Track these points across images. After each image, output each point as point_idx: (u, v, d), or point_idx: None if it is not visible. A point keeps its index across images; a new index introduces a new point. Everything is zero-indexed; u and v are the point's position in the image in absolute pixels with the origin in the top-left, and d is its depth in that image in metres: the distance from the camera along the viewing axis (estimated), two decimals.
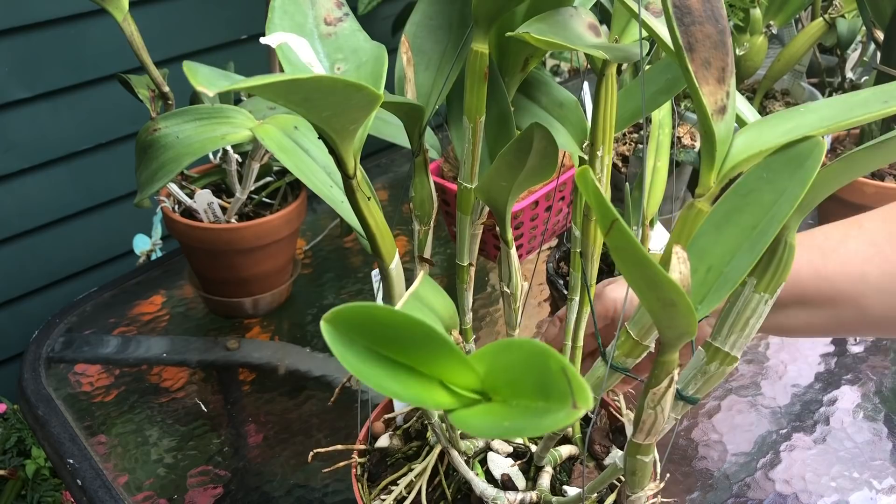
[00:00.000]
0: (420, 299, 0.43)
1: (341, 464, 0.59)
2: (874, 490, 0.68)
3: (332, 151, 0.36)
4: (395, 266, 0.41)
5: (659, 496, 0.52)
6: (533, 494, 0.52)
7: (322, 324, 0.29)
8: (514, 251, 0.50)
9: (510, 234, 0.49)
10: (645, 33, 0.37)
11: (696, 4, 0.32)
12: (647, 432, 0.39)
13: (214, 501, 0.71)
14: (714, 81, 0.32)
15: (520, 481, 0.54)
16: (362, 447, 0.60)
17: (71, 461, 0.74)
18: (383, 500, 0.55)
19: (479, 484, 0.53)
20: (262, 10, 0.85)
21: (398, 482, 0.56)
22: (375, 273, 0.44)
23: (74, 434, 0.78)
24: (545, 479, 0.54)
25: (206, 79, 0.27)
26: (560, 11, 0.39)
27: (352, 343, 0.29)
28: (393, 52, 0.34)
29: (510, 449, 0.57)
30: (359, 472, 0.59)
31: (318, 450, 0.60)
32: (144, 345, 0.92)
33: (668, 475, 0.69)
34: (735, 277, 0.32)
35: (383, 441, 0.60)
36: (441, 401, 0.30)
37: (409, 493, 0.55)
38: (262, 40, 0.33)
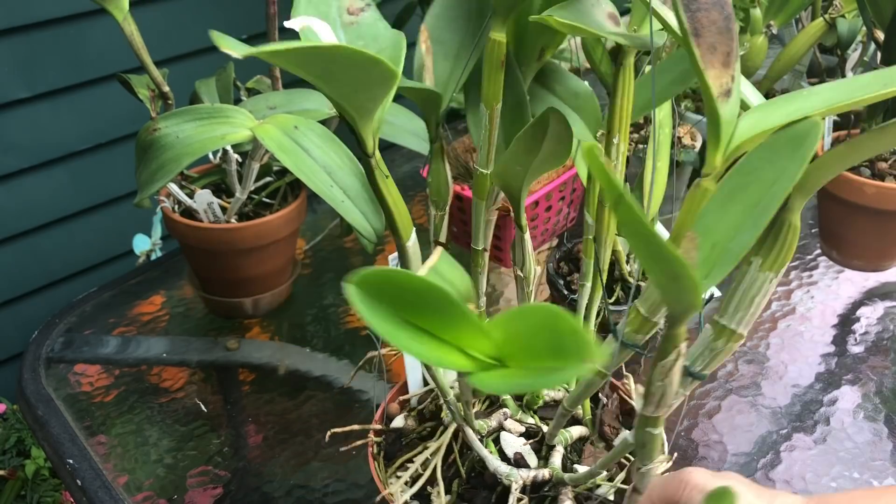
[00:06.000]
0: (438, 273, 0.43)
1: (358, 442, 0.61)
2: None
3: (353, 130, 0.37)
4: (412, 244, 0.42)
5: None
6: (546, 472, 0.53)
7: (348, 286, 0.29)
8: (527, 236, 0.51)
9: (524, 220, 0.50)
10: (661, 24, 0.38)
11: None
12: (656, 405, 0.40)
13: (214, 502, 0.71)
14: (719, 65, 0.33)
15: (531, 459, 0.55)
16: (378, 427, 0.61)
17: (71, 461, 0.74)
18: (399, 477, 0.56)
19: (493, 461, 0.54)
20: (262, 11, 0.85)
21: (413, 460, 0.57)
22: (393, 257, 0.45)
23: (74, 434, 0.77)
24: (556, 459, 0.54)
25: (232, 44, 0.28)
26: (581, 0, 0.40)
27: (378, 306, 0.30)
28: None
29: (522, 429, 0.58)
30: (375, 451, 0.60)
31: (335, 429, 0.61)
32: (144, 345, 0.92)
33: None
34: (738, 253, 0.33)
35: (398, 422, 0.61)
36: (460, 363, 0.31)
37: (424, 470, 0.56)
38: (287, 24, 0.35)
